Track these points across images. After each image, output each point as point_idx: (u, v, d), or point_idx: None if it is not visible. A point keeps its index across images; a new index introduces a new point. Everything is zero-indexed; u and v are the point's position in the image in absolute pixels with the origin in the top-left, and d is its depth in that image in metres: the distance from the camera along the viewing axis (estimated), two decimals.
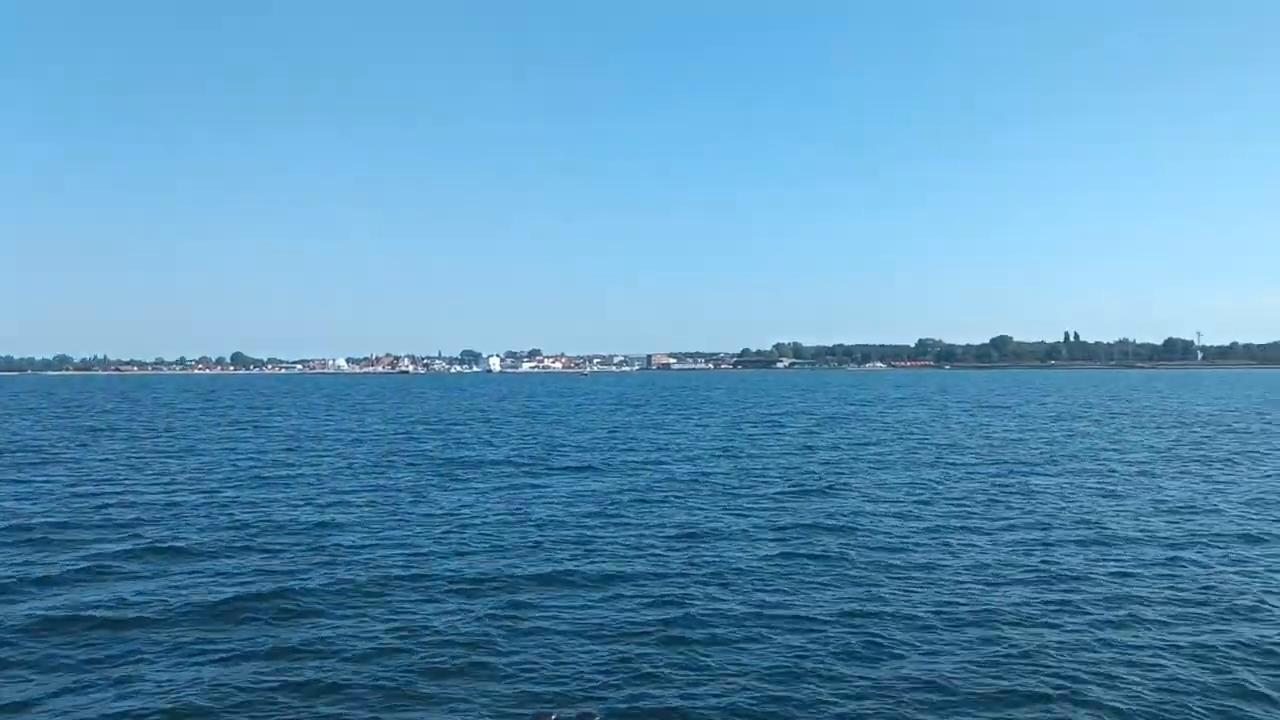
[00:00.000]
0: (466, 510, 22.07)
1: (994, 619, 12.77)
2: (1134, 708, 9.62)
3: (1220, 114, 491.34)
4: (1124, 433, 45.56)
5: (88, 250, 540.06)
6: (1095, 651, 11.36)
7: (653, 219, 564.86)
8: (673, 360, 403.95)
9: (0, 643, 11.95)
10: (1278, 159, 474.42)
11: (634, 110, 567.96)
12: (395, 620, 12.90)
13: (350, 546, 17.85)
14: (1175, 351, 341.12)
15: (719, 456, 35.17)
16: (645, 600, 13.89)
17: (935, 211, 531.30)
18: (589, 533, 19.23)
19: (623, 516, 21.16)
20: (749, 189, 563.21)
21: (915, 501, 23.19)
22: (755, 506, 22.61)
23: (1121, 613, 13.04)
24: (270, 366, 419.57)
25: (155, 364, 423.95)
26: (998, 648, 11.52)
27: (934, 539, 18.42)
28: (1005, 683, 10.33)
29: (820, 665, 10.96)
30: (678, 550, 17.46)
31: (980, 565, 16.01)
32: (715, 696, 10.06)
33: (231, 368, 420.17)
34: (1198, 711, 9.56)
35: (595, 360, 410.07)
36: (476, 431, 49.39)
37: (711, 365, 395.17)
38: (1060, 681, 10.33)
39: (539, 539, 18.56)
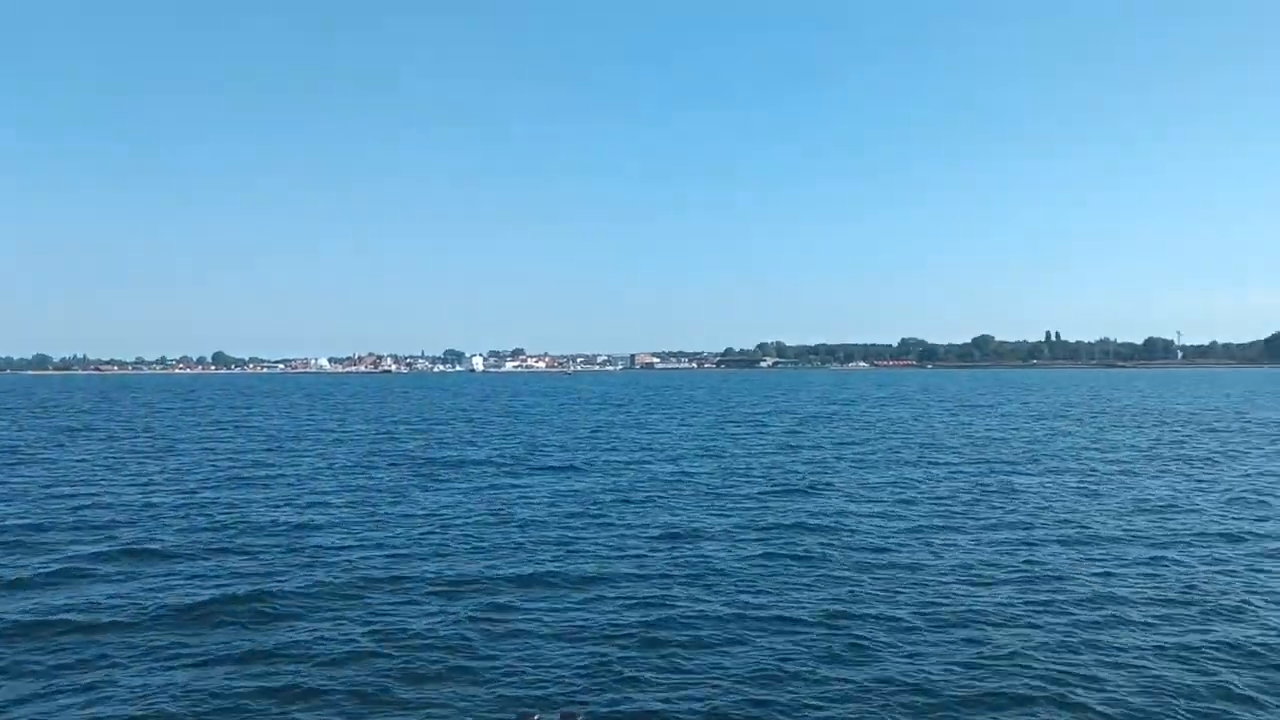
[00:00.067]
0: (447, 511, 21.89)
1: (977, 620, 12.71)
2: (1118, 711, 9.57)
3: (1214, 114, 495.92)
4: (1106, 432, 45.78)
5: (66, 249, 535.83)
6: (1079, 653, 11.31)
7: (637, 219, 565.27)
8: (656, 360, 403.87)
9: None
10: (1259, 160, 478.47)
11: (620, 111, 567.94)
12: (374, 623, 12.72)
13: (329, 548, 17.65)
14: (1156, 351, 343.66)
15: (702, 456, 35.10)
16: (627, 602, 13.77)
17: (919, 212, 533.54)
18: (571, 533, 19.09)
19: (605, 517, 21.03)
20: (734, 190, 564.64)
21: (898, 501, 23.17)
22: (738, 506, 22.53)
23: (1105, 613, 13.01)
24: (252, 366, 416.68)
25: (135, 363, 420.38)
26: (981, 649, 11.45)
27: (917, 539, 18.38)
28: (989, 685, 10.26)
29: (803, 668, 10.86)
30: (660, 551, 17.35)
31: (963, 565, 15.96)
32: (697, 700, 9.94)
33: (213, 367, 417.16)
34: (1182, 713, 9.51)
35: (579, 360, 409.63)
36: (458, 431, 49.14)
37: (695, 365, 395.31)
38: (1044, 683, 10.27)
39: (520, 540, 18.40)
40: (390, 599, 14.04)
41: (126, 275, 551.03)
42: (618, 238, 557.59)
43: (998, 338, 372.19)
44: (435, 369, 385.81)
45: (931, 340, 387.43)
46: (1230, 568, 15.78)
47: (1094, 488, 25.40)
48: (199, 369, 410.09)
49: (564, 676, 10.64)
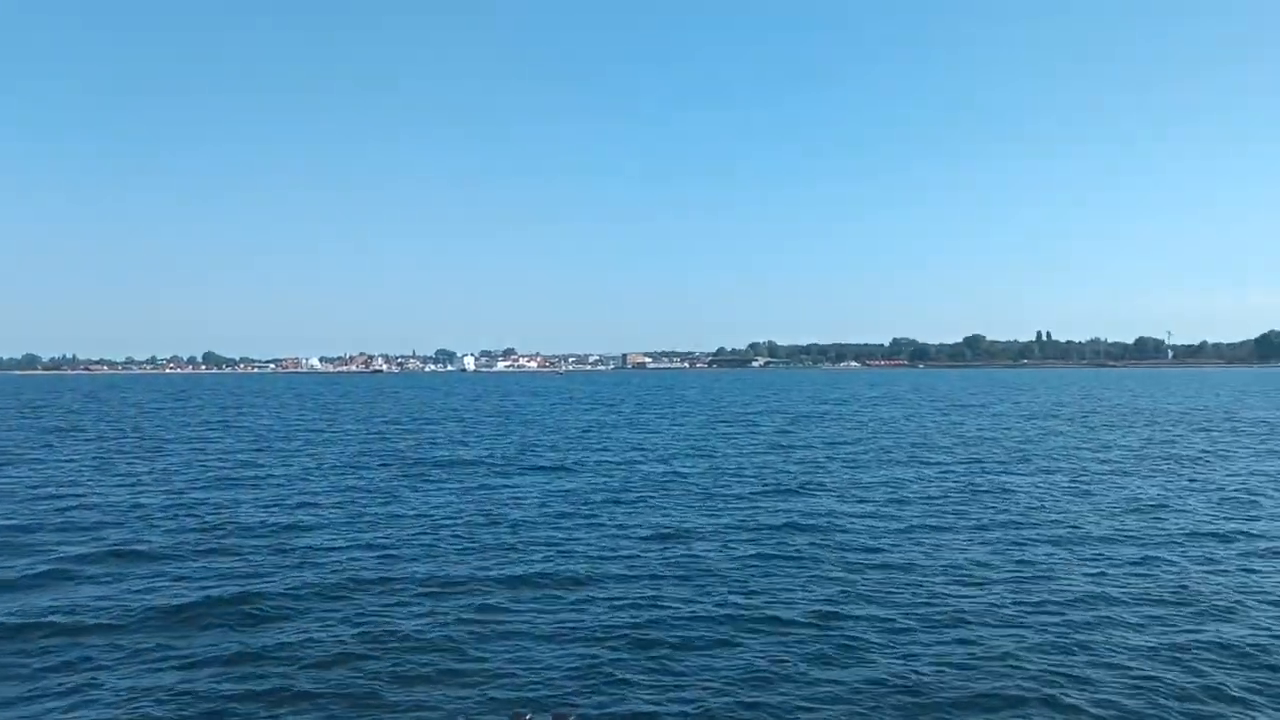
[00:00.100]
0: (438, 511, 21.78)
1: (969, 620, 12.68)
2: (1111, 713, 9.53)
3: (1213, 114, 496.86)
4: (1096, 431, 45.87)
5: (56, 248, 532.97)
6: (1072, 654, 11.28)
7: (630, 219, 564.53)
8: (648, 359, 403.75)
9: None
10: (1259, 160, 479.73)
11: (611, 112, 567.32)
12: (363, 624, 12.63)
13: (318, 549, 17.54)
14: (1146, 350, 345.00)
15: (693, 456, 35.03)
16: (618, 603, 13.70)
17: (916, 212, 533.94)
18: (562, 534, 19.01)
19: (596, 517, 20.95)
20: (732, 190, 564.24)
21: (890, 501, 23.14)
22: (729, 507, 22.47)
23: (1097, 613, 12.99)
24: (242, 366, 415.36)
25: (125, 363, 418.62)
26: (973, 650, 11.41)
27: (908, 539, 18.34)
28: (981, 686, 10.22)
29: (795, 669, 10.81)
30: (651, 552, 17.28)
31: (955, 565, 15.94)
32: (688, 701, 9.88)
33: (203, 367, 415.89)
34: (1175, 715, 9.48)
35: (570, 359, 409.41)
36: (449, 431, 49.00)
37: (687, 364, 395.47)
38: (1036, 685, 10.23)
39: (511, 540, 18.32)
40: (380, 600, 13.94)
41: (116, 275, 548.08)
42: (612, 237, 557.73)
43: (989, 337, 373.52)
44: (427, 369, 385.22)
45: (923, 340, 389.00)
46: (1222, 568, 15.78)
47: (1085, 487, 25.42)
48: (189, 369, 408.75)
49: (554, 678, 10.56)
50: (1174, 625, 12.46)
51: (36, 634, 12.24)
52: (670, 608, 13.38)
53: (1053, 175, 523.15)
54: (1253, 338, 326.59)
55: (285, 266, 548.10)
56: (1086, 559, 16.44)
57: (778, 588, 14.56)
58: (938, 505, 22.38)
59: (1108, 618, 12.78)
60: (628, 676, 10.62)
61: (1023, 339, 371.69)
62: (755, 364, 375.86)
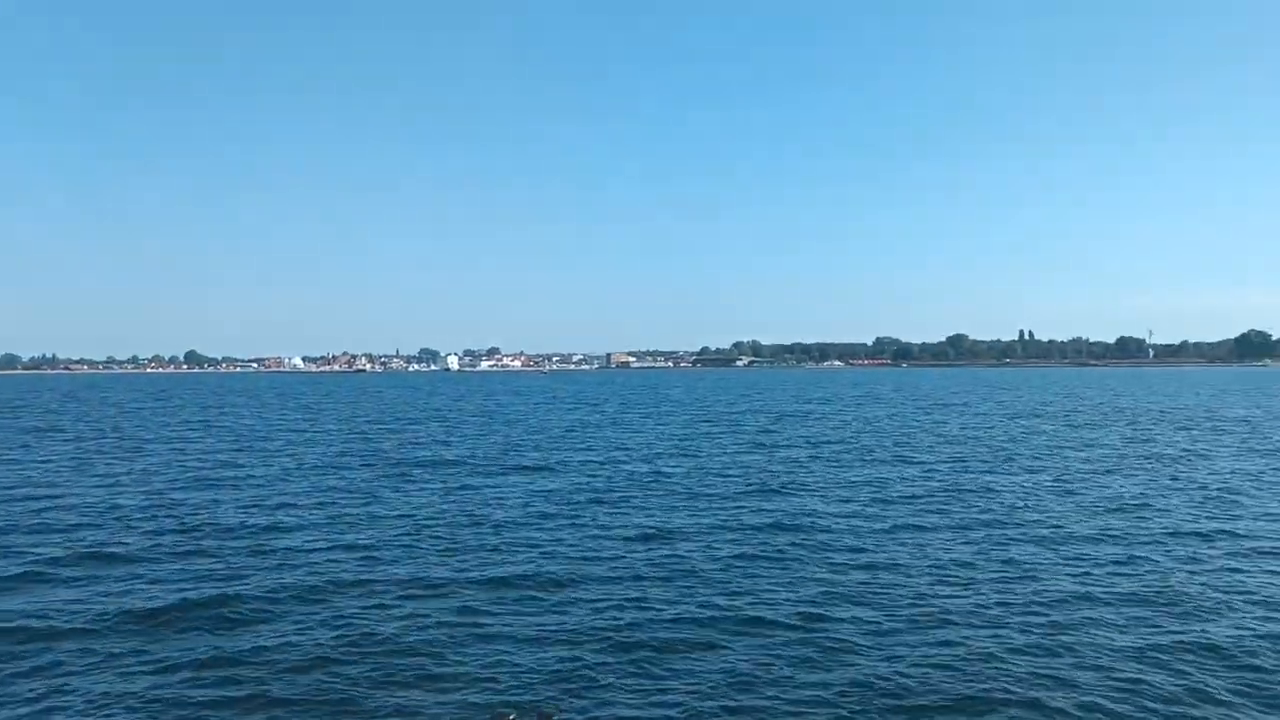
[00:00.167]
0: (419, 512, 21.59)
1: (954, 621, 12.62)
2: (1095, 715, 9.47)
3: (1213, 114, 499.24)
4: (1079, 430, 46.04)
5: (36, 247, 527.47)
6: (1056, 655, 11.23)
7: (619, 220, 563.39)
8: (632, 359, 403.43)
9: None
10: (1259, 160, 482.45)
11: (602, 112, 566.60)
12: (341, 627, 12.46)
13: (297, 550, 17.34)
14: (1128, 350, 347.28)
15: (677, 455, 34.94)
16: (601, 605, 13.58)
17: (908, 213, 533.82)
18: (545, 535, 18.86)
19: (579, 518, 20.81)
20: (712, 189, 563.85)
21: (873, 500, 23.09)
22: (713, 507, 22.37)
23: (1080, 614, 12.96)
24: (225, 365, 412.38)
25: (106, 363, 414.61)
26: (958, 651, 11.34)
27: (892, 539, 18.29)
28: (966, 687, 10.15)
29: (779, 671, 10.71)
30: (635, 552, 17.16)
31: (939, 565, 15.89)
32: (672, 705, 9.77)
33: (185, 367, 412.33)
34: (1158, 715, 9.43)
35: (554, 359, 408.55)
36: (432, 431, 48.74)
37: (671, 363, 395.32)
38: (1020, 686, 10.17)
39: (494, 541, 18.16)
40: (359, 602, 13.76)
41: (97, 274, 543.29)
42: (597, 238, 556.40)
43: (972, 337, 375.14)
44: (410, 368, 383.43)
45: (906, 339, 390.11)
46: (1204, 567, 15.79)
47: (1068, 486, 25.46)
48: (171, 368, 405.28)
49: (536, 682, 10.43)
50: (1158, 626, 12.43)
51: (7, 639, 12.00)
52: (653, 609, 13.27)
53: (1053, 175, 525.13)
54: (1233, 337, 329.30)
55: (268, 266, 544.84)
56: (1070, 559, 16.42)
57: (761, 589, 14.46)
58: (921, 505, 22.35)
59: (1092, 618, 12.75)
60: (610, 680, 10.50)
61: (1006, 338, 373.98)
62: (739, 363, 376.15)
